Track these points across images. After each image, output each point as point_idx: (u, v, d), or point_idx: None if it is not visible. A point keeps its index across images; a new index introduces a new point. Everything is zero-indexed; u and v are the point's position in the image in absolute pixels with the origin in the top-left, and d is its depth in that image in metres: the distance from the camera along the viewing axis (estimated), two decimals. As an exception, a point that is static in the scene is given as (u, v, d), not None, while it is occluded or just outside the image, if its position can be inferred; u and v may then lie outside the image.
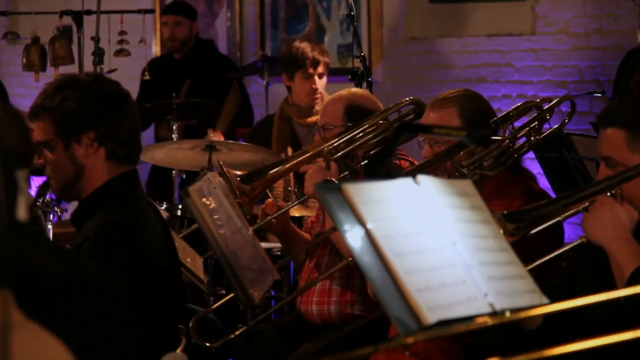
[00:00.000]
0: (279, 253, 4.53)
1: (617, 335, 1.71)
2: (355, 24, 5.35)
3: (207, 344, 3.07)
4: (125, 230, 2.74)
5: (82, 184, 2.82)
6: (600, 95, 5.43)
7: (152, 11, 6.97)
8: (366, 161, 3.56)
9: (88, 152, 2.80)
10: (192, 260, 3.50)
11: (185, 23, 6.42)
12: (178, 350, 2.63)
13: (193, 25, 6.50)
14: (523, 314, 1.72)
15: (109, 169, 2.82)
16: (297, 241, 3.79)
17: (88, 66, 6.24)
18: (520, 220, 2.51)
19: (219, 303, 3.43)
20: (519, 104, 3.28)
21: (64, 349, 1.54)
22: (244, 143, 4.73)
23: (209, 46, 6.67)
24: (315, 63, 4.99)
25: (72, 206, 2.98)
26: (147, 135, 6.64)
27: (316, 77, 5.00)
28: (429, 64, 6.60)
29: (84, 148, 2.80)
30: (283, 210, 3.99)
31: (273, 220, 3.60)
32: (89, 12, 6.25)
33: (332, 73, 5.32)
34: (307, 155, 3.61)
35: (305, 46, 5.03)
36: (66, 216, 4.87)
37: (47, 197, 4.23)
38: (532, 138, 3.23)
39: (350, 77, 5.26)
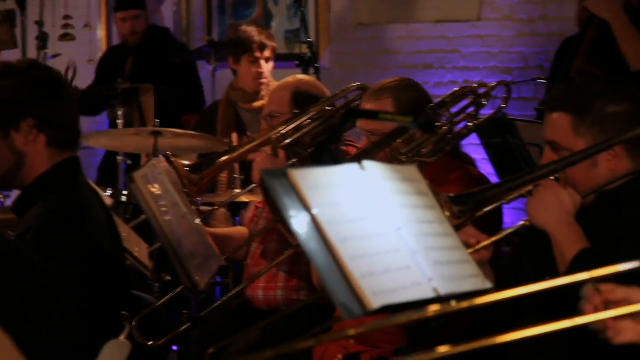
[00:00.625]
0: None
1: (564, 322, 1.73)
2: (302, 9, 5.36)
3: (150, 342, 3.06)
4: (69, 218, 2.71)
5: (24, 172, 2.79)
6: (543, 81, 5.48)
7: (98, -5, 6.90)
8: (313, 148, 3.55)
9: (28, 139, 2.77)
10: (137, 247, 3.48)
11: (142, 15, 6.39)
12: (121, 337, 2.61)
13: (147, 15, 6.47)
14: (466, 304, 1.73)
15: (50, 156, 2.79)
16: (226, 243, 3.72)
17: (32, 51, 6.16)
18: (466, 203, 2.53)
19: (164, 300, 3.42)
20: (455, 89, 3.28)
21: (6, 338, 1.52)
22: (190, 132, 4.69)
23: (163, 34, 6.64)
24: (262, 47, 4.96)
25: (15, 192, 2.94)
26: (101, 121, 6.58)
27: (262, 62, 4.97)
28: (376, 49, 6.61)
29: (23, 135, 2.77)
30: (231, 199, 3.98)
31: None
32: (33, -4, 6.18)
33: (280, 59, 5.29)
34: (255, 143, 3.59)
35: (252, 30, 5.00)
36: (9, 202, 4.80)
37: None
38: (470, 124, 3.24)
39: (297, 63, 5.27)
